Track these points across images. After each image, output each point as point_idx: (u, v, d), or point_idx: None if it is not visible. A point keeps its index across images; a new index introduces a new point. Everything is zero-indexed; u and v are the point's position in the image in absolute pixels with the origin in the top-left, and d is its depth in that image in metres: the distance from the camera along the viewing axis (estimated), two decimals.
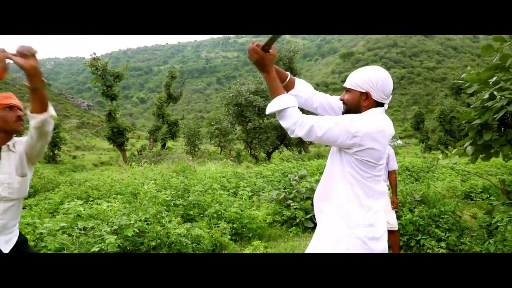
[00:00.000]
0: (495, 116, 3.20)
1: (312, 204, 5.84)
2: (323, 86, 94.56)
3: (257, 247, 4.55)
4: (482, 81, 3.37)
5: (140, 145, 35.45)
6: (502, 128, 3.43)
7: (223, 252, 4.44)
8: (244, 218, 5.18)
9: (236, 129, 23.73)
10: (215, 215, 5.14)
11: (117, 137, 24.05)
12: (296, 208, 5.72)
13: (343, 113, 1.84)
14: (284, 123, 1.72)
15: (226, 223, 4.93)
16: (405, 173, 10.41)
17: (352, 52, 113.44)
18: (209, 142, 27.03)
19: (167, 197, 5.14)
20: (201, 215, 5.28)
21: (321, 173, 9.83)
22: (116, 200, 5.55)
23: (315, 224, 5.97)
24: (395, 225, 3.92)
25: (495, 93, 3.27)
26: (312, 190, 6.03)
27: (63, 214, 4.83)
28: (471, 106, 3.65)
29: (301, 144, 24.00)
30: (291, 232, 5.44)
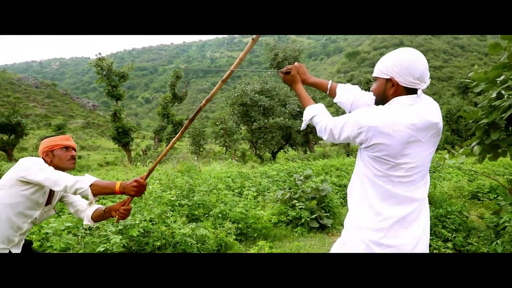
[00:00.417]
0: (503, 115, 3.16)
1: (317, 204, 5.82)
2: None
3: (262, 247, 4.55)
4: (489, 80, 3.33)
5: (145, 145, 35.60)
6: (510, 128, 3.38)
7: (228, 252, 4.44)
8: (249, 218, 5.17)
9: (241, 129, 23.75)
10: (220, 215, 5.14)
11: (122, 137, 24.17)
12: (302, 208, 5.71)
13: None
14: (317, 132, 1.79)
15: (231, 223, 4.93)
16: None
17: (357, 51, 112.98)
18: (214, 142, 27.08)
19: (172, 197, 5.15)
20: (206, 215, 5.28)
21: (326, 173, 9.81)
22: (120, 200, 5.57)
23: (321, 224, 5.96)
24: None
25: (503, 92, 3.23)
26: (318, 190, 6.01)
27: (68, 214, 4.86)
28: (478, 105, 3.61)
29: (306, 144, 23.96)
30: (296, 232, 5.43)
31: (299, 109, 20.99)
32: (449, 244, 4.25)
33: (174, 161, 13.91)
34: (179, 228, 4.11)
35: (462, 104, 32.75)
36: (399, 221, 1.56)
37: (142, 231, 3.87)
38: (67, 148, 2.26)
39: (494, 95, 3.38)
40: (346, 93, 1.97)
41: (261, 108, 20.66)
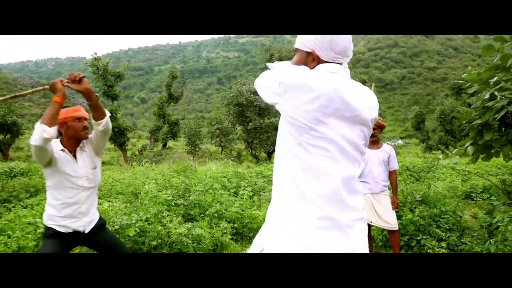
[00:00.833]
0: (496, 116, 3.20)
1: None
2: None
3: None
4: (482, 81, 3.37)
5: (141, 145, 35.46)
6: (503, 128, 3.43)
7: (224, 252, 4.45)
8: (245, 218, 5.18)
9: (236, 129, 23.74)
10: (216, 215, 5.15)
11: (118, 137, 24.08)
12: None
13: None
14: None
15: (227, 222, 4.94)
16: (405, 173, 10.40)
17: (352, 52, 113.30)
18: (210, 142, 27.04)
19: (168, 196, 5.15)
20: (202, 215, 5.29)
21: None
22: (117, 200, 5.56)
23: None
24: (395, 225, 3.92)
25: (496, 93, 3.27)
26: None
27: None
28: (471, 106, 3.65)
29: None
30: None
31: None
32: (443, 244, 4.30)
33: (170, 161, 13.89)
34: (175, 228, 4.11)
35: (455, 105, 32.92)
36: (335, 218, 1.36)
37: (138, 230, 3.88)
38: (79, 119, 2.46)
39: (487, 96, 3.42)
40: None
41: (257, 108, 20.67)
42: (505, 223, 3.97)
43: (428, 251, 4.25)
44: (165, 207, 4.95)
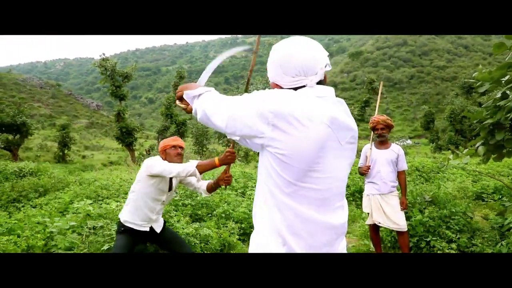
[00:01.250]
0: (508, 115, 3.15)
1: None
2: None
3: None
4: (494, 80, 3.31)
5: (149, 145, 35.68)
6: None
7: (231, 252, 4.44)
8: (252, 218, 5.17)
9: None
10: (223, 215, 5.14)
11: (126, 137, 24.27)
12: None
13: None
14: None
15: (234, 223, 4.94)
16: (415, 173, 10.31)
17: (361, 51, 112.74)
18: (217, 142, 27.12)
19: (176, 196, 5.16)
20: (209, 215, 5.29)
21: None
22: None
23: None
24: (404, 226, 3.88)
25: (508, 92, 3.21)
26: None
27: (73, 213, 4.88)
28: (482, 106, 3.59)
29: None
30: None
31: None
32: (453, 245, 4.23)
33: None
34: (183, 228, 4.12)
35: (466, 104, 32.61)
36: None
37: None
38: (174, 147, 2.95)
39: (498, 95, 3.36)
40: None
41: None
42: None
43: (438, 252, 4.19)
44: (173, 207, 4.96)
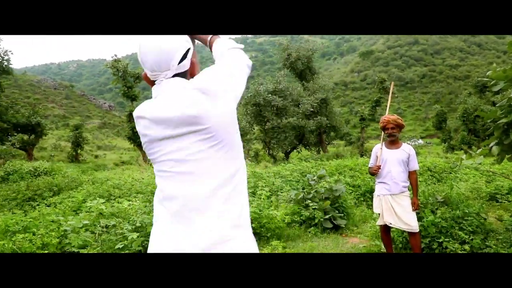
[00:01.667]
0: None
1: (330, 205, 5.79)
2: (342, 86, 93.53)
3: (276, 247, 4.55)
4: (508, 79, 3.26)
5: None
6: None
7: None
8: (263, 218, 5.18)
9: (254, 129, 23.79)
10: None
11: (138, 137, 24.43)
12: (315, 208, 5.69)
13: None
14: None
15: None
16: (426, 173, 10.20)
17: (371, 50, 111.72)
18: None
19: None
20: None
21: (340, 173, 9.74)
22: (136, 199, 5.65)
23: (334, 225, 5.90)
24: (415, 227, 3.84)
25: None
26: (331, 190, 5.98)
27: (86, 212, 4.96)
28: (497, 105, 3.54)
29: (319, 144, 23.84)
30: (309, 232, 5.42)
31: (312, 109, 20.89)
32: (466, 247, 4.18)
33: None
34: None
35: (479, 104, 32.05)
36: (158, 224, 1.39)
37: None
38: None
39: None
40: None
41: (274, 108, 20.65)
42: None
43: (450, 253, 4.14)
44: None
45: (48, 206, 6.73)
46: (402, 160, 3.92)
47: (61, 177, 9.35)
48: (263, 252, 4.57)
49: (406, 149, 3.98)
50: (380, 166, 3.99)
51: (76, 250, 3.66)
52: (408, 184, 3.98)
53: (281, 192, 7.39)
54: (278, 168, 10.74)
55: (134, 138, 24.33)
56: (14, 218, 4.50)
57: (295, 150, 23.46)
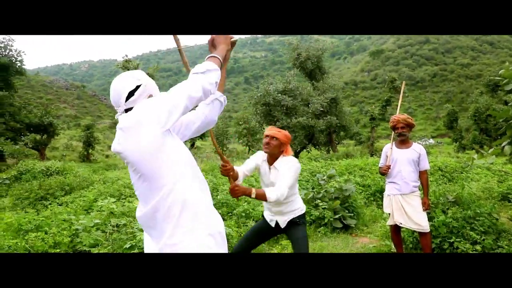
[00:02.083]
0: None
1: (340, 204, 5.77)
2: (352, 85, 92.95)
3: (285, 246, 4.55)
4: None
5: None
6: None
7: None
8: None
9: (264, 129, 23.78)
10: (243, 214, 5.17)
11: None
12: (325, 208, 5.67)
13: None
14: None
15: (254, 221, 4.96)
16: (437, 173, 10.08)
17: (382, 49, 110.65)
18: (237, 142, 27.24)
19: None
20: (230, 214, 5.33)
21: (349, 173, 9.68)
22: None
23: (344, 225, 5.88)
24: (426, 227, 3.80)
25: None
26: (341, 190, 5.96)
27: (97, 211, 5.01)
28: (509, 104, 3.49)
29: (329, 143, 23.73)
30: (319, 232, 5.40)
31: (322, 109, 20.80)
32: (478, 247, 4.13)
33: (198, 161, 14.07)
34: None
35: (491, 103, 31.56)
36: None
37: None
38: (266, 136, 2.94)
39: None
40: None
41: (284, 108, 20.62)
42: None
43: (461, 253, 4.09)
44: None
45: (60, 205, 6.82)
46: (412, 159, 3.89)
47: (73, 177, 9.47)
48: (272, 252, 4.57)
49: (416, 148, 3.95)
50: (390, 165, 3.96)
51: (87, 249, 3.71)
52: (418, 184, 3.95)
53: None
54: None
55: None
56: (26, 217, 4.58)
57: (304, 150, 23.39)
